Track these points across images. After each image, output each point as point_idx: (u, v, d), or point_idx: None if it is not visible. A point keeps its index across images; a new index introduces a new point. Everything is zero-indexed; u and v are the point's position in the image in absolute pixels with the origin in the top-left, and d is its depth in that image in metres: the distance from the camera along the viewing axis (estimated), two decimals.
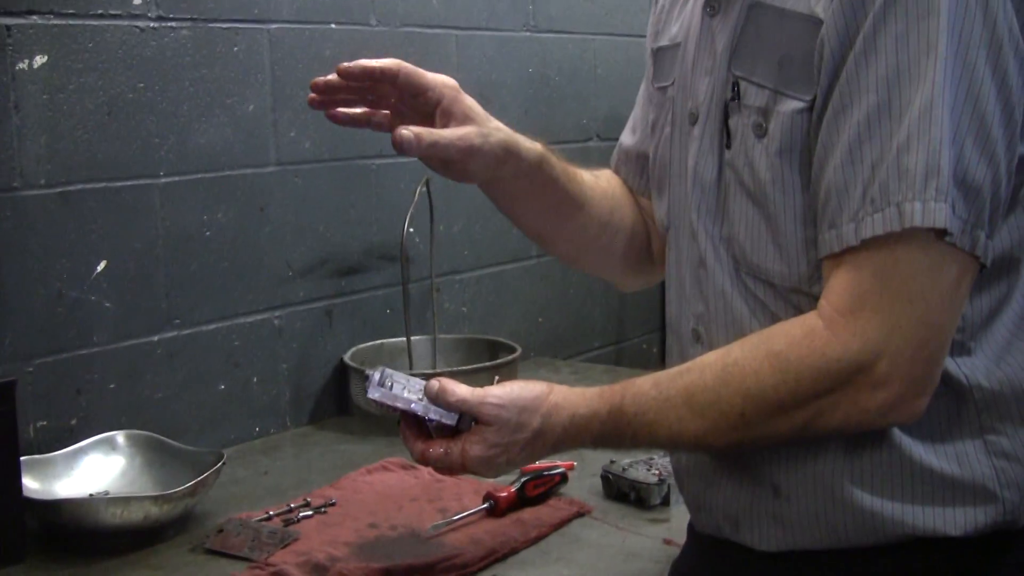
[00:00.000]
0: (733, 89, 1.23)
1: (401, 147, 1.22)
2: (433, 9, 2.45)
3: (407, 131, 1.23)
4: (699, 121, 1.30)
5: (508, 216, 1.49)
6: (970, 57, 1.04)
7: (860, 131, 1.07)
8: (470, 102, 1.32)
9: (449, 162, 1.30)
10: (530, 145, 1.38)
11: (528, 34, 2.71)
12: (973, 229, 1.05)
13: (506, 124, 1.37)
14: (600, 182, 1.56)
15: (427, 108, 1.31)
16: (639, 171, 1.58)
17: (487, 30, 2.60)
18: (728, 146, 1.25)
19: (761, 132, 1.19)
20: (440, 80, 1.31)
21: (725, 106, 1.25)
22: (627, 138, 1.61)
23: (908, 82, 1.05)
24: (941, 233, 1.04)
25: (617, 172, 1.62)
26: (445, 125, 1.29)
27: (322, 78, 1.31)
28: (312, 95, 1.33)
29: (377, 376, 1.22)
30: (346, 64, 1.28)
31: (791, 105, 1.15)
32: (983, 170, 1.05)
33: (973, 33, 1.05)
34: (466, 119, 1.30)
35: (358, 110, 1.36)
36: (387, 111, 1.36)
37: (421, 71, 1.30)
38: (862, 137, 1.07)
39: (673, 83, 1.39)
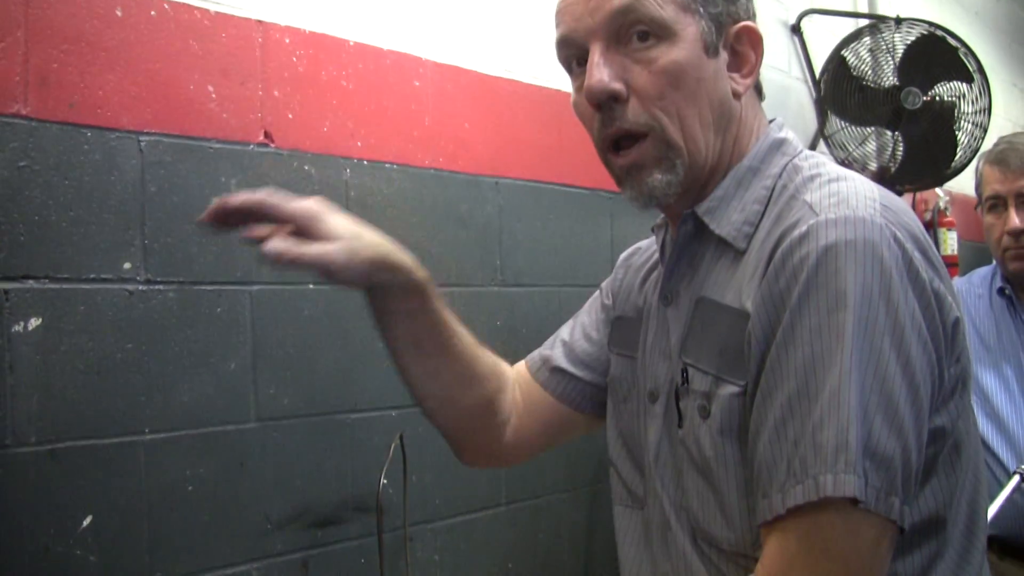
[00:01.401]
0: (683, 374, 1.37)
1: (265, 259, 1.29)
2: None
3: (273, 246, 1.30)
4: (658, 400, 1.45)
5: (378, 330, 1.56)
6: (876, 344, 1.18)
7: (783, 412, 1.20)
8: (335, 222, 1.39)
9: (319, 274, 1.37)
10: (411, 267, 1.47)
11: (497, 288, 2.83)
12: (887, 496, 1.16)
13: None
14: (484, 355, 1.68)
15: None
16: (568, 386, 1.71)
17: (457, 286, 2.71)
18: (680, 425, 1.37)
19: (705, 413, 1.33)
20: (301, 209, 1.37)
21: (676, 389, 1.37)
22: (561, 360, 1.74)
23: (822, 368, 1.18)
24: (854, 501, 1.14)
25: (537, 377, 1.75)
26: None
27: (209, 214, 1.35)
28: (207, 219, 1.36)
29: None
30: (211, 209, 1.34)
31: (729, 389, 1.30)
32: (892, 443, 1.17)
33: (878, 322, 1.18)
34: (331, 238, 1.37)
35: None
36: None
37: (281, 205, 1.35)
38: (785, 417, 1.19)
39: (637, 359, 1.53)
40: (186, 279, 2.11)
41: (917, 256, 1.24)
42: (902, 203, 1.33)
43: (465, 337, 1.64)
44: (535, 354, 1.79)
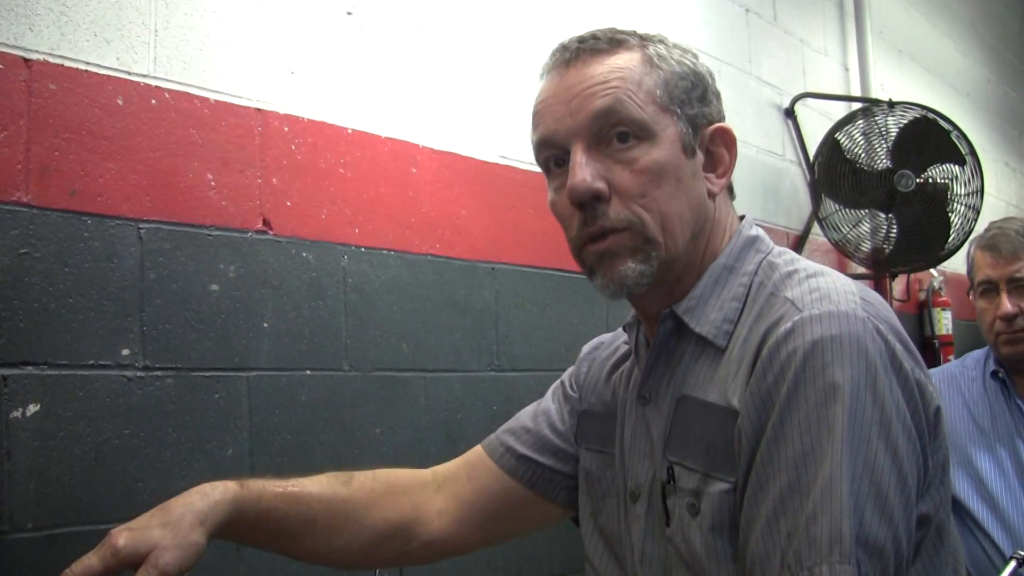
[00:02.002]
0: (668, 473, 1.38)
1: None
2: (402, 354, 2.58)
3: None
4: (640, 500, 1.45)
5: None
6: (864, 435, 1.19)
7: (775, 506, 1.21)
8: (144, 539, 1.40)
9: None
10: (224, 511, 1.50)
11: (493, 373, 2.84)
12: None
13: None
14: (352, 488, 1.68)
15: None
16: (537, 475, 1.72)
17: (454, 371, 2.73)
18: (668, 524, 1.37)
19: (694, 511, 1.33)
20: (111, 556, 1.38)
21: (662, 488, 1.38)
22: (525, 449, 1.74)
23: (813, 462, 1.19)
24: None
25: (502, 464, 1.74)
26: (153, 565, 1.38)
27: None
28: None
29: None
30: None
31: (719, 486, 1.30)
32: (884, 531, 1.18)
33: (866, 415, 1.20)
34: (152, 549, 1.39)
35: None
36: None
37: (92, 569, 1.37)
38: (777, 511, 1.20)
39: (614, 455, 1.54)
40: (184, 365, 2.13)
41: (899, 348, 1.26)
42: (878, 296, 1.36)
43: (321, 495, 1.65)
44: (494, 440, 1.78)
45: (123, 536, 1.39)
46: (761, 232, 1.51)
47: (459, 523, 1.72)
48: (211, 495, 1.49)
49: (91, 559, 1.37)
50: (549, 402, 1.78)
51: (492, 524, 1.73)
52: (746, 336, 1.34)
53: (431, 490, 1.75)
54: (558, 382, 1.81)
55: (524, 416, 1.78)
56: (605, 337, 1.77)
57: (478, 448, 1.78)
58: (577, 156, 1.39)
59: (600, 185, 1.38)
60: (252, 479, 1.58)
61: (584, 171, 1.38)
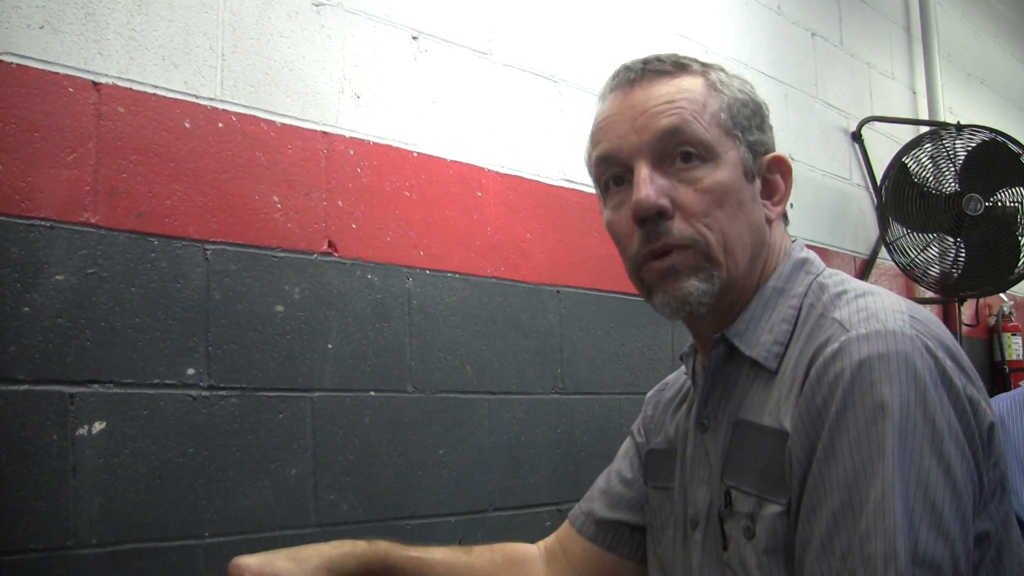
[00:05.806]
0: (726, 497, 1.37)
1: None
2: (467, 376, 2.58)
3: None
4: (699, 527, 1.45)
5: None
6: (916, 453, 1.18)
7: (829, 527, 1.20)
8: (272, 568, 1.43)
9: None
10: (359, 554, 1.54)
11: (557, 396, 2.84)
12: None
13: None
14: (473, 556, 1.71)
15: None
16: (616, 535, 1.72)
17: (517, 394, 2.72)
18: (725, 548, 1.37)
19: (750, 534, 1.33)
20: None
21: (719, 513, 1.37)
22: (602, 510, 1.75)
23: (864, 480, 1.18)
24: None
25: (583, 532, 1.75)
26: None
27: None
28: None
29: None
30: None
31: (772, 509, 1.30)
32: (941, 549, 1.16)
33: (916, 432, 1.18)
34: None
35: None
36: None
37: None
38: (831, 532, 1.19)
39: (674, 488, 1.53)
40: (248, 385, 2.14)
41: (949, 364, 1.24)
42: (930, 314, 1.34)
43: (444, 560, 1.67)
44: (576, 511, 1.80)
45: (254, 562, 1.43)
46: (811, 254, 1.51)
47: None
48: (341, 546, 1.53)
49: None
50: (619, 460, 1.79)
51: None
52: (797, 358, 1.33)
53: (541, 564, 1.77)
54: (628, 437, 1.81)
55: (600, 479, 1.81)
56: (669, 378, 1.78)
57: (567, 521, 1.80)
58: (641, 172, 1.39)
59: (664, 202, 1.38)
60: (378, 540, 1.60)
61: (649, 187, 1.38)
